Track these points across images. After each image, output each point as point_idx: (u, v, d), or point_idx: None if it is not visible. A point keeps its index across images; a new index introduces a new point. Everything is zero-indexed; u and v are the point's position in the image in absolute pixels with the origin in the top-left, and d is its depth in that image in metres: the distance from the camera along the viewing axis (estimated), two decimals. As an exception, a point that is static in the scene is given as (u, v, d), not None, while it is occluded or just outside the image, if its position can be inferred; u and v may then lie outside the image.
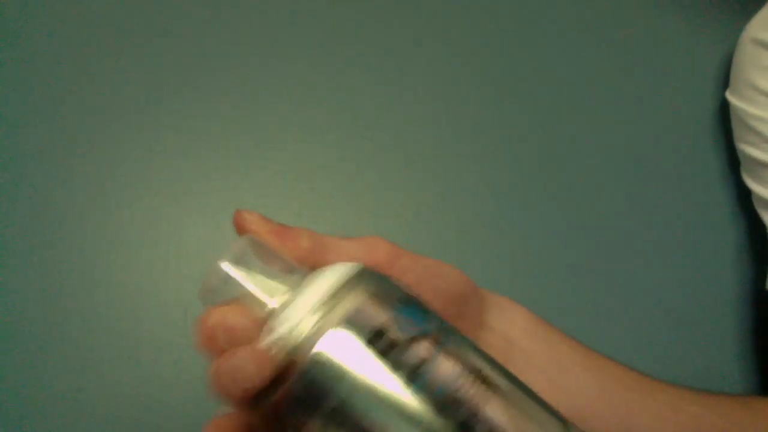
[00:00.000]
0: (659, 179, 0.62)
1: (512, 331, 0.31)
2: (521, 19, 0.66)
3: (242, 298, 0.26)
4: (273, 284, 0.26)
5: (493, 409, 0.23)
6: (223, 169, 0.57)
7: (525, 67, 0.64)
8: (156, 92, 0.59)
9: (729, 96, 0.59)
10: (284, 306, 0.24)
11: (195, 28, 0.61)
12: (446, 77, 0.63)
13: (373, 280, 0.25)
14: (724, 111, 0.63)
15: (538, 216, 0.59)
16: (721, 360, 0.57)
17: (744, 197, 0.61)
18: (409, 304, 0.25)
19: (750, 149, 0.56)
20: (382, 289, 0.25)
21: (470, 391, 0.22)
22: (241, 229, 0.29)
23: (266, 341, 0.24)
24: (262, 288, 0.26)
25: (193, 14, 0.62)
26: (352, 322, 0.23)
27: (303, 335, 0.23)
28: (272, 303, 0.25)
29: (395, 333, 0.23)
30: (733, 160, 0.62)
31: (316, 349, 0.22)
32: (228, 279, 0.26)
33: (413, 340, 0.23)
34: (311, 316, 0.23)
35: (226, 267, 0.27)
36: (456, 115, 0.62)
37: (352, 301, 0.24)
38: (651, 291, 0.58)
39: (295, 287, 0.25)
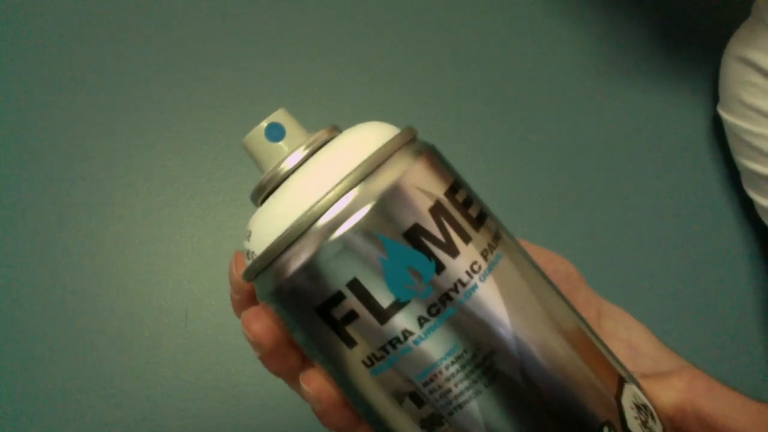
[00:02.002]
0: (663, 193, 0.62)
1: (636, 339, 0.30)
2: (523, 33, 0.66)
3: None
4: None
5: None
6: (223, 170, 0.57)
7: (523, 80, 0.64)
8: (156, 92, 0.59)
9: (720, 111, 0.59)
10: (308, 164, 0.20)
11: (195, 28, 0.61)
12: (447, 78, 0.63)
13: (425, 147, 0.21)
14: (718, 124, 0.63)
15: (543, 227, 0.59)
16: (736, 363, 0.57)
17: (746, 205, 0.61)
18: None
19: (748, 162, 0.57)
20: (436, 163, 0.21)
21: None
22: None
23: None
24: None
25: (194, 15, 0.62)
26: (390, 204, 0.19)
27: (326, 209, 0.19)
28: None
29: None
30: (732, 170, 0.62)
31: (337, 234, 0.18)
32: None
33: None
34: (342, 184, 0.19)
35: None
36: (456, 116, 0.62)
37: (394, 172, 0.19)
38: (663, 301, 0.58)
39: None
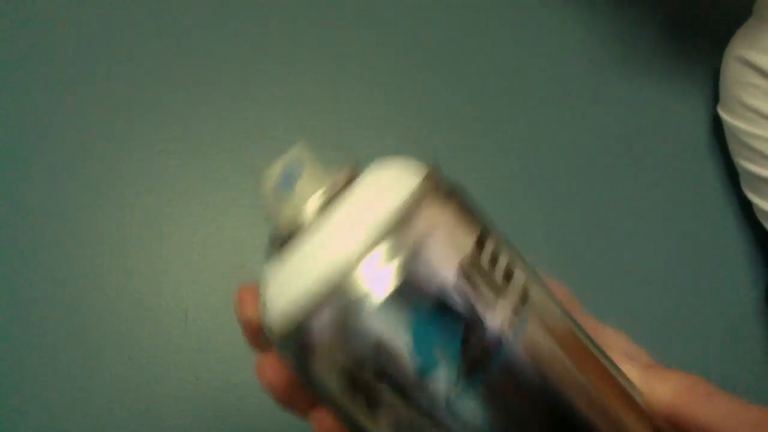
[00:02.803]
0: (662, 193, 0.62)
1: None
2: (522, 34, 0.66)
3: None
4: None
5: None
6: (223, 170, 0.57)
7: (522, 81, 0.64)
8: (156, 92, 0.59)
9: (720, 111, 0.59)
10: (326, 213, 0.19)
11: (196, 28, 0.61)
12: (448, 79, 0.63)
13: (452, 191, 0.20)
14: (718, 124, 0.63)
15: (542, 229, 0.59)
16: (735, 366, 0.57)
17: (744, 206, 0.61)
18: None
19: (747, 164, 0.57)
20: (465, 209, 0.19)
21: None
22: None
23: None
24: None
25: (194, 15, 0.62)
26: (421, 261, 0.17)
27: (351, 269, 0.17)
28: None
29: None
30: (731, 171, 0.62)
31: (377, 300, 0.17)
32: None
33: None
34: (367, 239, 0.17)
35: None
36: (457, 117, 0.62)
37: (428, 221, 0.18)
38: (661, 303, 0.58)
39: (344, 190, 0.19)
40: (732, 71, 0.58)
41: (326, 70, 0.62)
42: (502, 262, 0.19)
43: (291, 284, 0.18)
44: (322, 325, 0.17)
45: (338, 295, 0.17)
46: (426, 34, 0.64)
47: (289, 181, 0.20)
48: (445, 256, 0.18)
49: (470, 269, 0.18)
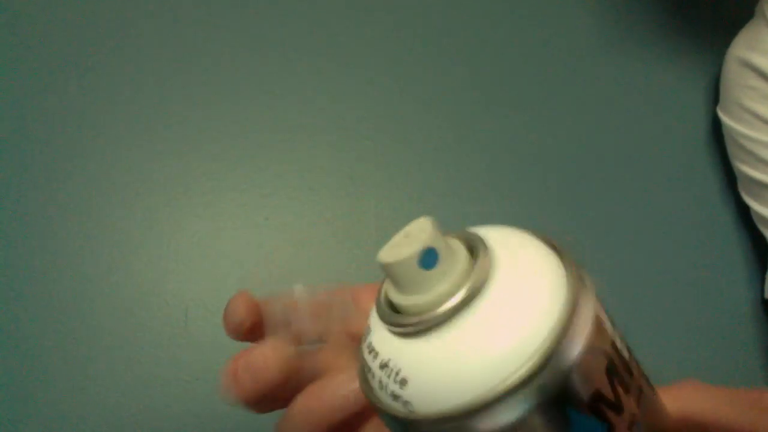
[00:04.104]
0: (660, 195, 0.62)
1: None
2: (526, 36, 0.66)
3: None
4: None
5: None
6: (223, 170, 0.57)
7: (522, 86, 0.64)
8: (157, 93, 0.59)
9: (720, 113, 0.59)
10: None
11: (196, 29, 0.61)
12: (447, 79, 0.63)
13: (592, 287, 0.19)
14: (718, 126, 0.63)
15: (542, 229, 0.59)
16: (732, 367, 0.57)
17: (741, 208, 0.61)
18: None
19: (744, 167, 0.56)
20: (602, 306, 0.19)
21: None
22: None
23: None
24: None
25: (194, 16, 0.62)
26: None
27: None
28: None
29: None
30: (729, 173, 0.62)
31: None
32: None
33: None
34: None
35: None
36: (457, 117, 0.62)
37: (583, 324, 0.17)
38: (658, 305, 0.58)
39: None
40: (732, 73, 0.58)
41: (329, 70, 0.62)
42: (625, 351, 0.19)
43: (446, 386, 0.17)
44: (485, 426, 0.17)
45: (502, 403, 0.17)
46: (424, 23, 0.64)
47: (428, 263, 0.19)
48: (596, 363, 0.17)
49: (612, 371, 0.18)
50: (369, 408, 0.21)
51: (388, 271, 0.19)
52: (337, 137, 0.59)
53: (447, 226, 0.57)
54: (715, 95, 0.64)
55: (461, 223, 0.61)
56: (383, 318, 0.19)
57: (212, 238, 0.55)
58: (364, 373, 0.20)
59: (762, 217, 0.56)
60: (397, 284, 0.19)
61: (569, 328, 0.17)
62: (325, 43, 0.62)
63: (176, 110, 0.58)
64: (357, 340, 0.22)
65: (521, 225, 0.58)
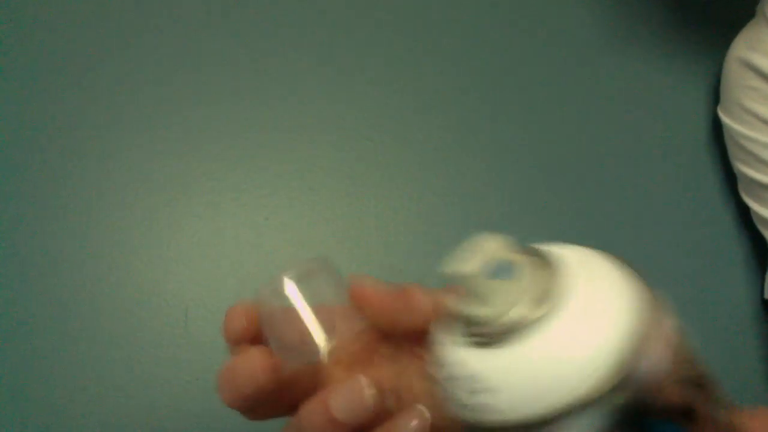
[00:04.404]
0: (660, 194, 0.62)
1: None
2: (524, 33, 0.66)
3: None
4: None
5: None
6: (223, 170, 0.57)
7: (522, 85, 0.64)
8: (156, 92, 0.59)
9: (720, 113, 0.59)
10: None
11: (196, 28, 0.61)
12: (448, 80, 0.63)
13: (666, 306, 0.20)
14: (718, 126, 0.63)
15: (542, 229, 0.59)
16: (732, 369, 0.57)
17: (741, 209, 0.61)
18: None
19: (745, 168, 0.56)
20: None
21: None
22: (358, 299, 0.26)
23: None
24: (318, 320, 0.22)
25: (194, 15, 0.62)
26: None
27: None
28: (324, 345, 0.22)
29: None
30: (730, 174, 0.62)
31: None
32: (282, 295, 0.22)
33: None
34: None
35: (288, 285, 0.23)
36: (457, 117, 0.62)
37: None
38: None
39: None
40: (733, 73, 0.57)
41: (329, 70, 0.62)
42: (701, 371, 0.20)
43: (536, 393, 0.18)
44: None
45: (582, 409, 0.17)
46: (425, 23, 0.64)
47: (502, 273, 0.20)
48: (674, 373, 0.18)
49: (692, 386, 0.19)
50: (379, 417, 0.22)
51: (467, 282, 0.20)
52: (337, 137, 0.59)
53: (449, 226, 0.57)
54: (715, 96, 0.64)
55: (463, 224, 0.60)
56: (461, 329, 0.20)
57: (212, 238, 0.55)
58: (438, 384, 0.21)
59: (762, 218, 0.56)
60: (475, 295, 0.20)
61: (648, 340, 0.18)
62: (326, 43, 0.62)
63: (176, 110, 0.58)
64: (362, 339, 0.22)
65: (521, 225, 0.58)
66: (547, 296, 0.19)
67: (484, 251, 0.20)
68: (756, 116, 0.54)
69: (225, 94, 0.59)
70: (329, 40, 0.63)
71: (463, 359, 0.20)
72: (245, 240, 0.55)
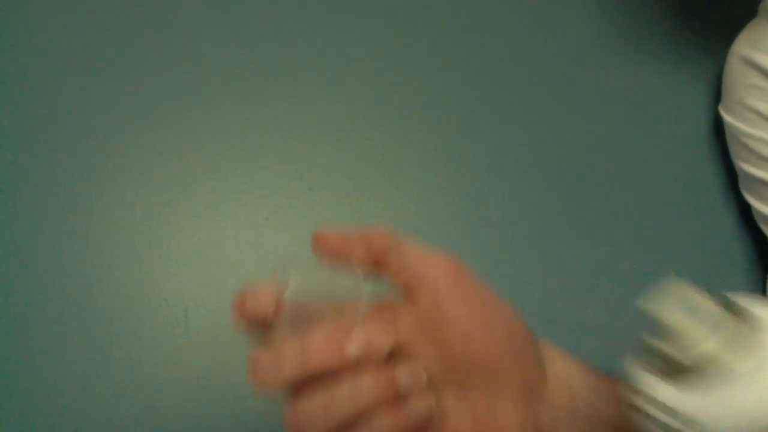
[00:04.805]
0: (659, 192, 0.62)
1: (573, 382, 0.31)
2: (522, 32, 0.66)
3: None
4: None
5: None
6: (223, 170, 0.57)
7: (522, 83, 0.64)
8: (156, 92, 0.59)
9: (722, 111, 0.59)
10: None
11: (196, 28, 0.61)
12: (448, 80, 0.63)
13: None
14: (719, 123, 0.63)
15: (542, 229, 0.59)
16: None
17: (743, 207, 0.61)
18: None
19: (746, 166, 0.56)
20: None
21: None
22: (318, 242, 0.30)
23: None
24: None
25: (194, 15, 0.62)
26: None
27: None
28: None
29: None
30: (731, 172, 0.62)
31: None
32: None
33: None
34: None
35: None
36: (457, 117, 0.62)
37: None
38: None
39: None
40: (735, 71, 0.57)
41: (329, 70, 0.62)
42: None
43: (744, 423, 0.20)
44: None
45: None
46: (425, 23, 0.64)
47: (691, 312, 0.21)
48: None
49: None
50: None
51: (661, 321, 0.22)
52: (337, 137, 0.59)
53: (449, 226, 0.57)
54: (714, 95, 0.64)
55: (463, 224, 0.60)
56: (657, 364, 0.22)
57: (212, 238, 0.55)
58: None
59: (763, 216, 0.56)
60: (673, 335, 0.21)
61: None
62: (326, 43, 0.62)
63: (176, 110, 0.58)
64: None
65: (521, 225, 0.57)
66: (749, 348, 0.20)
67: (682, 294, 0.22)
68: (758, 114, 0.54)
69: (225, 94, 0.59)
70: (329, 40, 0.63)
71: (663, 392, 0.21)
72: (245, 240, 0.55)
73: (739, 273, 0.60)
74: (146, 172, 0.56)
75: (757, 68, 0.54)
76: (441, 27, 0.65)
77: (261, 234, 0.55)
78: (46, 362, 0.50)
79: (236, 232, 0.55)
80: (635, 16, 0.67)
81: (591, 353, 0.34)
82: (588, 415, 0.28)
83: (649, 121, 0.64)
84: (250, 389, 0.51)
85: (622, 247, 0.59)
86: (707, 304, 0.21)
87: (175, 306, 0.53)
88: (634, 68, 0.65)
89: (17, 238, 0.53)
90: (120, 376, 0.51)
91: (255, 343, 0.30)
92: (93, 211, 0.55)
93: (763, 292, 0.58)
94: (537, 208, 0.60)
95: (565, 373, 0.31)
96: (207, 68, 0.60)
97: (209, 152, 0.57)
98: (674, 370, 0.21)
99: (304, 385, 0.26)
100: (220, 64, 0.60)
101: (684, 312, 0.21)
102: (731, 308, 0.22)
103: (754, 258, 0.60)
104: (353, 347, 0.26)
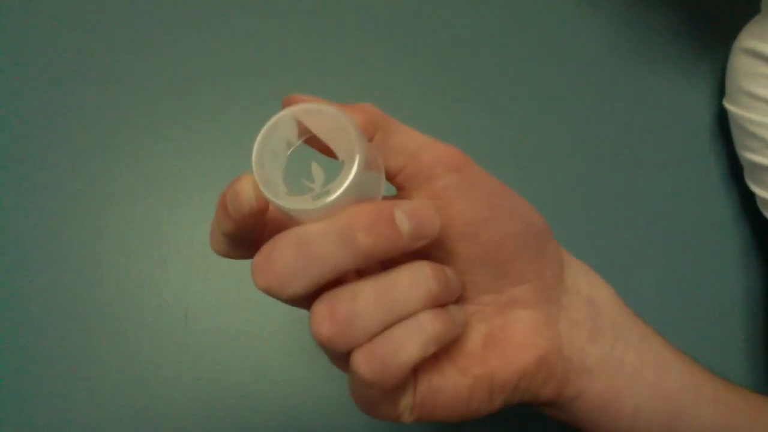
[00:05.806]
0: (661, 186, 0.62)
1: (597, 297, 0.30)
2: (523, 28, 0.66)
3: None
4: None
5: None
6: (223, 169, 0.57)
7: (523, 79, 0.64)
8: (156, 92, 0.59)
9: (727, 105, 0.59)
10: None
11: (195, 27, 0.61)
12: (448, 79, 0.63)
13: None
14: (721, 120, 0.63)
15: (549, 219, 0.59)
16: (730, 360, 0.57)
17: (745, 200, 0.61)
18: None
19: (752, 155, 0.56)
20: None
21: None
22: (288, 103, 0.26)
23: None
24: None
25: (194, 14, 0.62)
26: None
27: None
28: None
29: None
30: (733, 166, 0.62)
31: None
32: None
33: None
34: None
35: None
36: (457, 117, 0.62)
37: None
38: (657, 296, 0.58)
39: None
40: (740, 63, 0.57)
41: (328, 69, 0.62)
42: None
43: None
44: None
45: None
46: (425, 23, 0.64)
47: None
48: None
49: None
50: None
51: None
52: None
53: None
54: (713, 94, 0.64)
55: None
56: None
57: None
58: None
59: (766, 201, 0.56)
60: None
61: None
62: (326, 43, 0.62)
63: (176, 110, 0.58)
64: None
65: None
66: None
67: None
68: (766, 102, 0.54)
69: (225, 94, 0.59)
70: (329, 40, 0.63)
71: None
72: (245, 240, 0.55)
73: (740, 263, 0.60)
74: (146, 172, 0.56)
75: (764, 58, 0.55)
76: (442, 28, 0.64)
77: (261, 234, 0.55)
78: (45, 362, 0.50)
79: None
80: (635, 17, 0.67)
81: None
82: (611, 338, 0.26)
83: (648, 121, 0.64)
84: (249, 389, 0.51)
85: (622, 238, 0.59)
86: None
87: (175, 306, 0.53)
88: (633, 69, 0.65)
89: (17, 238, 0.53)
90: (120, 376, 0.50)
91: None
92: (93, 211, 0.55)
93: (765, 283, 0.58)
94: (537, 206, 0.60)
95: (586, 286, 0.29)
96: (207, 68, 0.60)
97: (209, 152, 0.57)
98: None
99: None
100: (221, 64, 0.60)
101: None
102: None
103: (755, 249, 0.61)
104: (405, 225, 0.22)
